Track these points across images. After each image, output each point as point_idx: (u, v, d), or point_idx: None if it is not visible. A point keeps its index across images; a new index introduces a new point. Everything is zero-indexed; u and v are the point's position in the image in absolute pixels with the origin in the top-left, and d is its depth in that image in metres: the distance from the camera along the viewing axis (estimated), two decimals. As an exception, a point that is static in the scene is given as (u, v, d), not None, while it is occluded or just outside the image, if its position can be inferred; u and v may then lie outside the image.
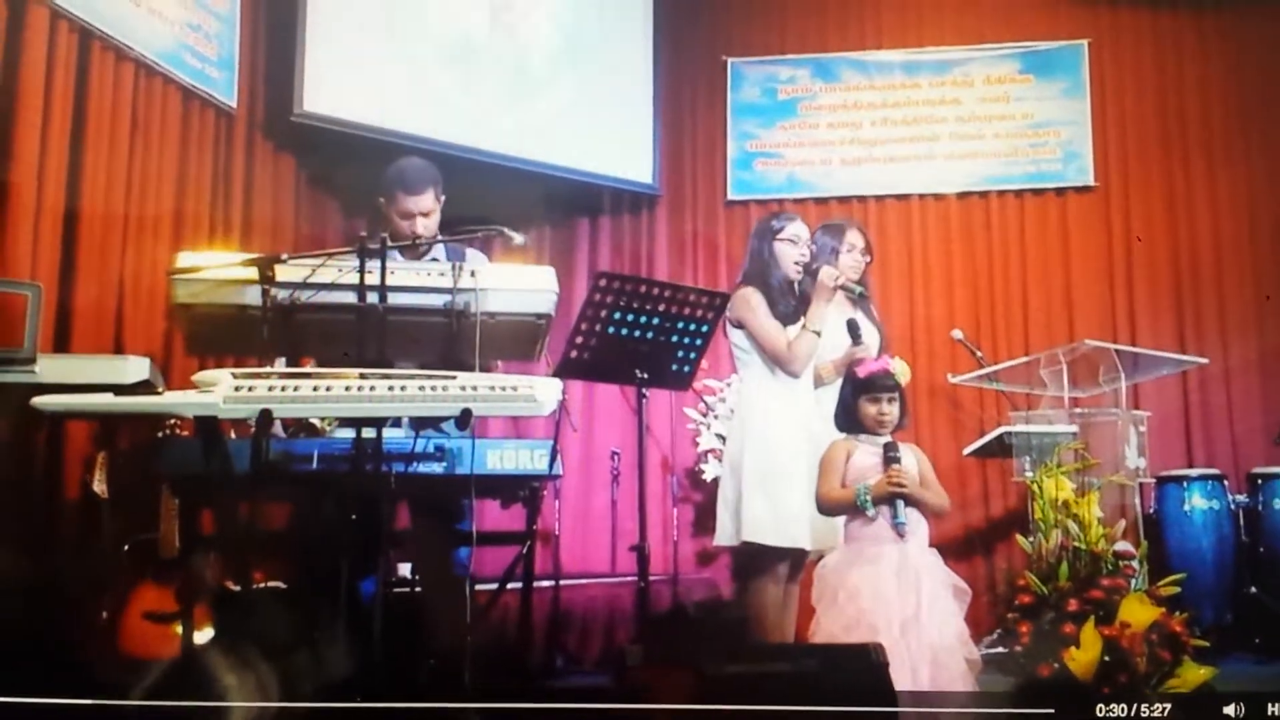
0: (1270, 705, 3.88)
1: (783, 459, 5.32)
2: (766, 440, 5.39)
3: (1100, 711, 3.89)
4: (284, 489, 4.55)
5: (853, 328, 5.53)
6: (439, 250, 5.23)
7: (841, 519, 4.92)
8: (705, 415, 8.19)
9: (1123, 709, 3.88)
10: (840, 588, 4.71)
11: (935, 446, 7.99)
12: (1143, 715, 3.88)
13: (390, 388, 3.88)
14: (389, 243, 4.40)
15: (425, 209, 5.18)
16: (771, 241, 5.57)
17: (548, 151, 8.34)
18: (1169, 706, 3.93)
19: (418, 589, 5.17)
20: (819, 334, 5.44)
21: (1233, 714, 3.89)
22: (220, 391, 3.77)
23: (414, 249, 5.12)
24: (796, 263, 5.54)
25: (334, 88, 7.33)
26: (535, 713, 4.00)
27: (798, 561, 5.33)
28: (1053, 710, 3.95)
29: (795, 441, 5.34)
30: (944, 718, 4.34)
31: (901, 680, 4.27)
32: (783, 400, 5.45)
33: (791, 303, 5.52)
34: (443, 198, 5.27)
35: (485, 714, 4.02)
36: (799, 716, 3.80)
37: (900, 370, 5.11)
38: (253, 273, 4.24)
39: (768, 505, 5.29)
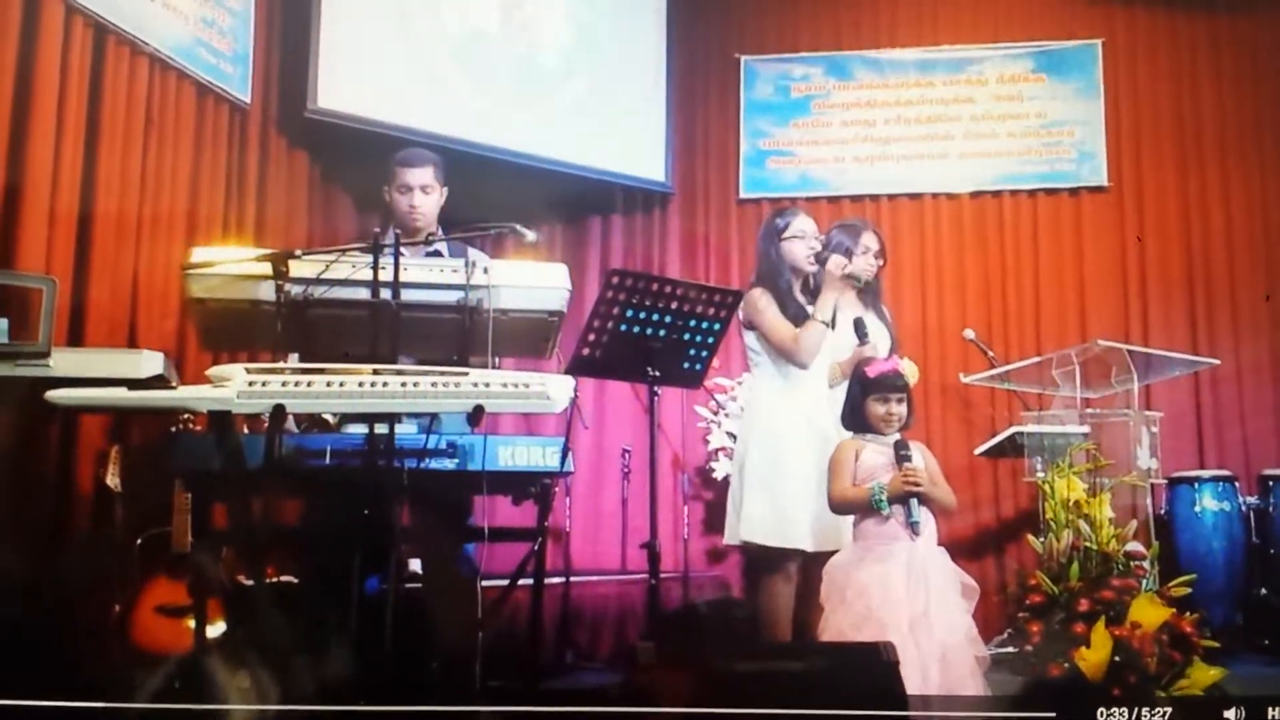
0: (1271, 709, 3.88)
1: (787, 459, 5.34)
2: (771, 440, 5.41)
3: (1101, 715, 3.89)
4: (297, 484, 4.55)
5: (859, 326, 5.54)
6: (442, 247, 5.26)
7: (847, 518, 4.94)
8: (716, 414, 8.20)
9: (1124, 713, 3.89)
10: (849, 586, 4.73)
11: (947, 446, 8.02)
12: (1143, 718, 3.88)
13: (403, 384, 3.89)
14: (401, 239, 4.43)
15: (423, 183, 5.26)
16: (777, 241, 5.57)
17: (560, 149, 8.34)
18: (1170, 710, 3.93)
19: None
20: (827, 324, 5.43)
21: (1233, 718, 3.89)
22: (234, 386, 3.79)
23: (420, 243, 5.14)
24: (807, 256, 5.53)
25: (347, 84, 7.33)
26: (545, 715, 4.01)
27: (809, 561, 5.33)
28: (1054, 714, 3.96)
29: (801, 441, 5.35)
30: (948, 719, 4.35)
31: (911, 679, 4.28)
32: (790, 400, 5.46)
33: (801, 302, 5.51)
34: (445, 189, 5.34)
35: (495, 715, 4.03)
36: (810, 716, 3.80)
37: (909, 371, 5.14)
38: (266, 268, 4.28)
39: (768, 505, 5.32)
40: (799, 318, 5.47)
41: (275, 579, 5.22)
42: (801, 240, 5.55)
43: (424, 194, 5.28)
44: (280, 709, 3.90)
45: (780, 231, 5.57)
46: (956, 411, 8.48)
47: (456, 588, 4.88)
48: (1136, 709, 3.90)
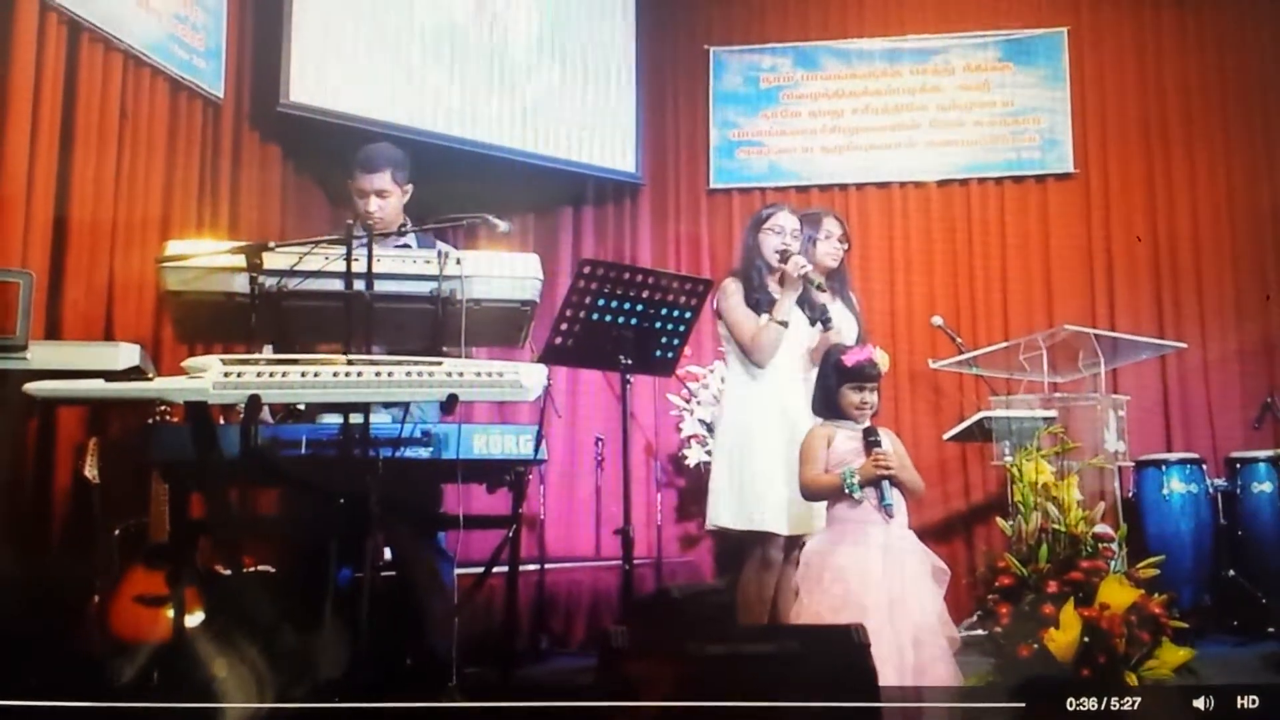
0: (1240, 697, 3.92)
1: (755, 446, 5.36)
2: (739, 427, 5.44)
3: (1071, 705, 3.93)
4: (273, 474, 4.58)
5: (822, 313, 5.53)
6: (411, 239, 5.27)
7: (821, 503, 4.98)
8: (688, 401, 8.22)
9: (1094, 703, 3.93)
10: (826, 570, 4.76)
11: (916, 431, 8.08)
12: (1114, 709, 3.92)
13: (377, 373, 3.93)
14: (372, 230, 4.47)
15: (379, 188, 5.20)
16: (757, 233, 5.56)
17: (531, 140, 8.39)
18: (1139, 700, 3.97)
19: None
20: (785, 324, 5.40)
21: (1202, 707, 3.93)
22: (210, 377, 3.82)
23: (391, 234, 5.15)
24: (777, 250, 5.54)
25: (320, 77, 7.37)
26: (518, 709, 4.05)
27: (787, 545, 5.35)
28: (1024, 704, 4.00)
29: (772, 428, 5.37)
30: (919, 711, 4.39)
31: (887, 661, 4.32)
32: (758, 388, 5.46)
33: (768, 293, 5.52)
34: (409, 187, 5.31)
35: (467, 708, 4.08)
36: (780, 699, 3.84)
37: (882, 360, 5.17)
38: (240, 260, 4.31)
39: (734, 491, 5.35)
40: (763, 308, 5.45)
41: (253, 568, 5.25)
42: (776, 235, 5.52)
43: (379, 198, 5.20)
44: (250, 706, 3.93)
45: (761, 222, 5.56)
46: (925, 397, 8.54)
47: (430, 575, 4.91)
48: (1106, 698, 3.95)
